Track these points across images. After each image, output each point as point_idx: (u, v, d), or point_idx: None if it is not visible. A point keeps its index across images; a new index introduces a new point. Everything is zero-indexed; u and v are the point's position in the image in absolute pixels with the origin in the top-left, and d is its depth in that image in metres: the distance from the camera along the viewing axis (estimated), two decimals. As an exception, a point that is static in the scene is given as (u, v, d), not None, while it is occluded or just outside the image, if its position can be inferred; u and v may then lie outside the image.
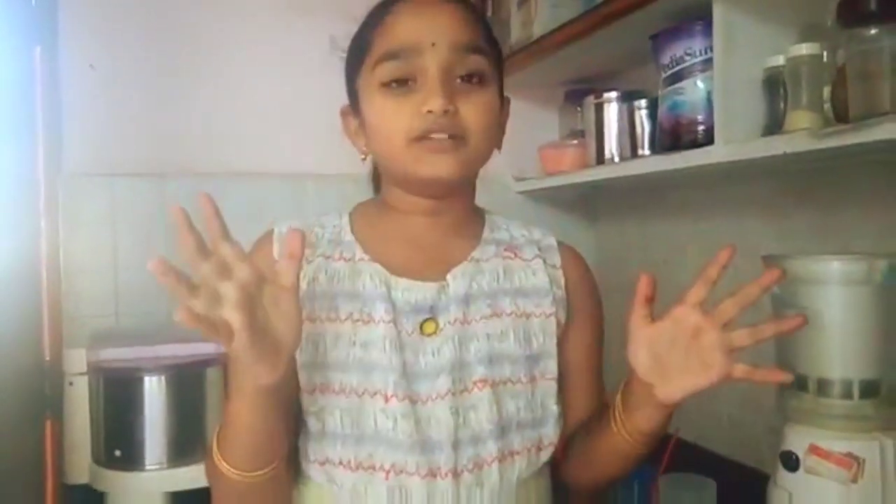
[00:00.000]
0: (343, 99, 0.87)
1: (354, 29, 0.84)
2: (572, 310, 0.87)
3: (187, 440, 1.38)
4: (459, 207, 0.85)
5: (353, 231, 0.84)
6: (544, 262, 0.86)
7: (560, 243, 0.90)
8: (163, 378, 1.35)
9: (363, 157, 0.85)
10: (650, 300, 0.74)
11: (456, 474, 0.76)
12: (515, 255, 0.86)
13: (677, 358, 0.72)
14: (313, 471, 0.79)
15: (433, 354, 0.78)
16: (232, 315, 0.61)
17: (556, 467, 0.87)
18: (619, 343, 0.80)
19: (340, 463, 0.77)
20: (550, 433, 0.83)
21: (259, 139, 1.67)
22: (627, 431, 0.78)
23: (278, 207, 1.65)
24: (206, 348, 1.47)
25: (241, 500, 0.78)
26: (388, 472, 0.76)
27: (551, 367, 0.84)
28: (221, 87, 1.65)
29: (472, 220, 0.88)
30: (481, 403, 0.78)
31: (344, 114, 0.86)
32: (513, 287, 0.84)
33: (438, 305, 0.80)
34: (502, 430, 0.79)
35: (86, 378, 1.42)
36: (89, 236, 1.56)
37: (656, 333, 0.73)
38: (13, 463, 1.29)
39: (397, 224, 0.84)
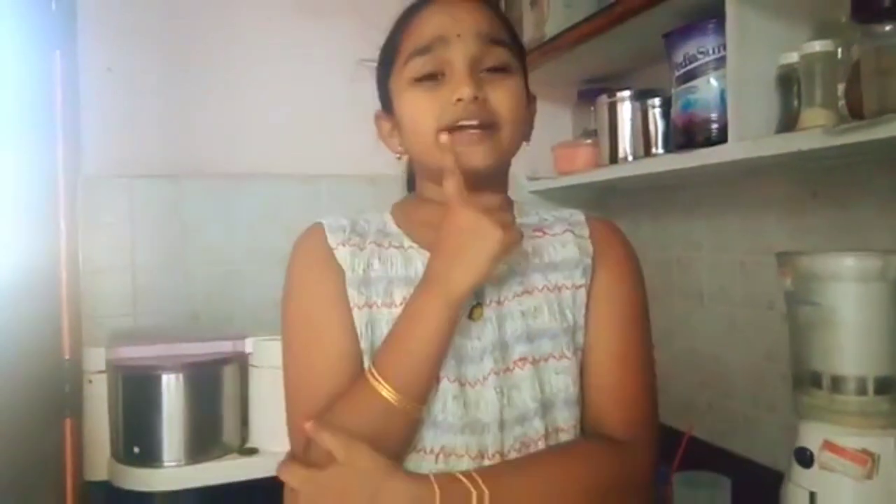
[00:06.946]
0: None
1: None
2: (596, 273, 0.84)
3: (205, 437, 1.39)
4: (493, 197, 0.85)
5: (396, 224, 0.86)
6: (573, 234, 0.87)
7: (590, 217, 0.91)
8: (180, 376, 1.37)
9: (398, 157, 0.87)
10: None
11: (503, 455, 0.77)
12: (544, 233, 0.87)
13: None
14: None
15: (478, 338, 0.79)
16: None
17: None
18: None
19: None
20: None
21: (274, 140, 1.68)
22: None
23: (292, 208, 1.67)
24: (223, 347, 1.48)
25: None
26: (437, 455, 0.77)
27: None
28: (236, 89, 1.67)
29: (504, 208, 0.88)
30: (524, 382, 0.79)
31: (377, 118, 0.88)
32: (542, 262, 0.85)
33: (482, 291, 0.81)
34: (546, 407, 0.79)
35: (105, 376, 1.45)
36: (108, 237, 1.58)
37: None
38: (34, 460, 1.30)
39: (436, 215, 0.83)
